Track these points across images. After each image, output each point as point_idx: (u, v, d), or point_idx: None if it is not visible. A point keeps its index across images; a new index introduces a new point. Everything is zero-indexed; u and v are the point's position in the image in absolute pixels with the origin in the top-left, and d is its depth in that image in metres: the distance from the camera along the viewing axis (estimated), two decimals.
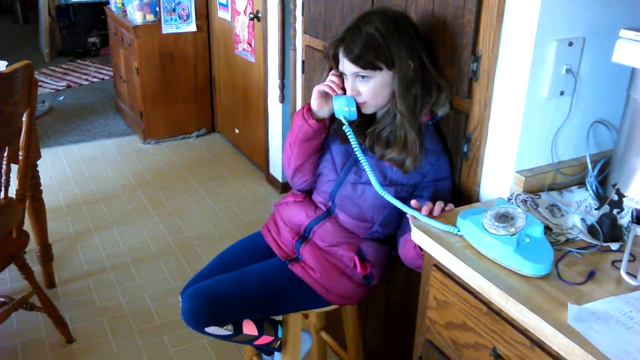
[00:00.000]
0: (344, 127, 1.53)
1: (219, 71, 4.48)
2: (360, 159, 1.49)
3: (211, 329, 1.61)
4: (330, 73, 1.59)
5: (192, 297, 1.60)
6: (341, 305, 1.72)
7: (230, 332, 1.63)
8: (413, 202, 1.40)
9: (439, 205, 1.37)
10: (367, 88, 1.51)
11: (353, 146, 1.51)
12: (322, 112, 1.59)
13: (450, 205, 1.39)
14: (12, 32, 8.08)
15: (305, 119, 1.59)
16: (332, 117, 1.61)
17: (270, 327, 1.73)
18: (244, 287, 1.64)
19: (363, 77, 1.50)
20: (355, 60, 1.48)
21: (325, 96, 1.58)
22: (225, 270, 1.71)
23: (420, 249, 1.38)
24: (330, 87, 1.56)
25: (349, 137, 1.52)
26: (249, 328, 1.67)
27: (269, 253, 1.77)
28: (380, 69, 1.47)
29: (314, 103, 1.58)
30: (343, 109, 1.53)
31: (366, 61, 1.47)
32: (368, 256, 1.64)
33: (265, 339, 1.72)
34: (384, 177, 1.56)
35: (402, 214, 1.60)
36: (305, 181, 1.72)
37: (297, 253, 1.69)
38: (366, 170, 1.48)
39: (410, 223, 1.37)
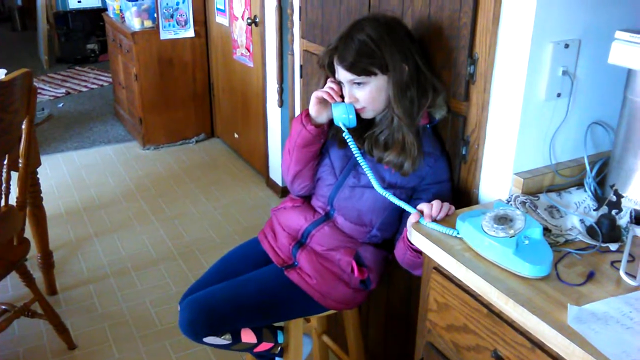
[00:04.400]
0: (343, 134, 1.54)
1: (217, 76, 4.49)
2: (361, 164, 1.50)
3: (209, 339, 1.61)
4: (329, 80, 1.60)
5: (188, 308, 1.61)
6: (339, 310, 1.72)
7: (228, 342, 1.63)
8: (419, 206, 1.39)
9: (444, 210, 1.37)
10: (363, 94, 1.51)
11: (354, 152, 1.52)
12: (321, 117, 1.60)
13: (452, 209, 1.39)
14: (11, 39, 8.09)
15: (304, 125, 1.60)
16: (331, 122, 1.62)
17: (269, 333, 1.72)
18: (240, 296, 1.63)
19: (359, 83, 1.51)
20: (350, 68, 1.48)
21: (324, 102, 1.58)
22: (223, 279, 1.71)
23: (420, 252, 1.38)
24: (329, 94, 1.56)
25: (349, 143, 1.53)
26: (248, 336, 1.66)
27: (265, 259, 1.76)
28: (375, 74, 1.48)
29: (313, 109, 1.59)
30: (342, 117, 1.53)
31: (360, 68, 1.47)
32: (366, 261, 1.64)
33: (265, 346, 1.72)
34: (382, 179, 1.56)
35: (401, 218, 1.61)
36: (304, 187, 1.72)
37: (293, 259, 1.69)
38: (367, 174, 1.49)
39: (408, 225, 1.38)
